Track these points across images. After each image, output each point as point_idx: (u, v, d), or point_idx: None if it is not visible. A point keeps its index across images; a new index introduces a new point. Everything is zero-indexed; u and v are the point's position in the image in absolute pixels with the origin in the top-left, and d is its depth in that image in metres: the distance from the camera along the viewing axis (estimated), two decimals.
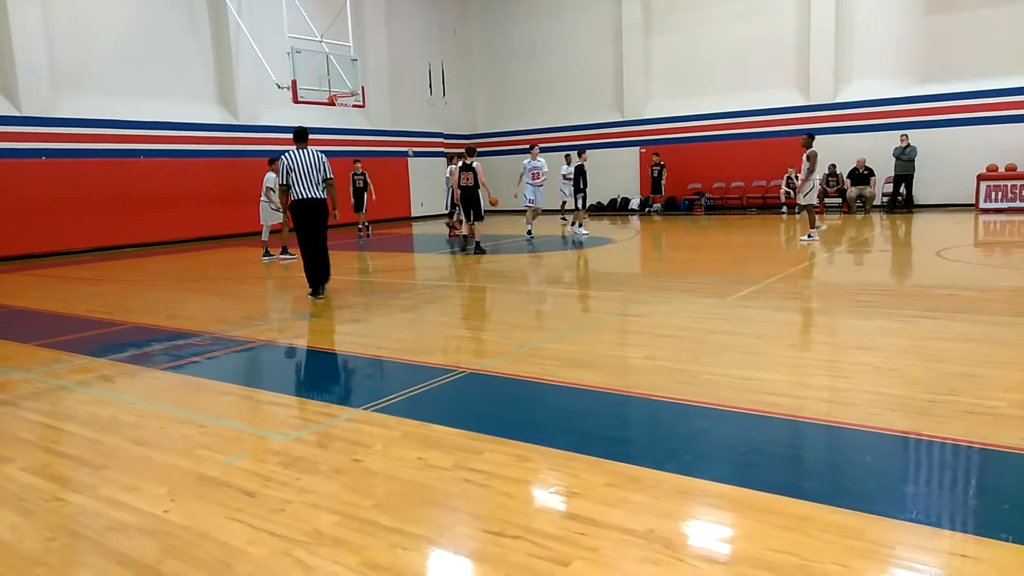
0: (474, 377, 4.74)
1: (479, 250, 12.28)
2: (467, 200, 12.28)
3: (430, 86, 23.73)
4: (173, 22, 16.96)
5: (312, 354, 5.81)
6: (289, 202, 8.12)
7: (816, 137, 12.54)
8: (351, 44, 16.92)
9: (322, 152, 8.22)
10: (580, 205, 14.78)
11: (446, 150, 24.47)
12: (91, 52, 15.48)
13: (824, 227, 12.62)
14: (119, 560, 2.54)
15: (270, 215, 12.34)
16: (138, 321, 7.39)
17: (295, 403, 4.39)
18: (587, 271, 10.38)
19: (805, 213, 12.69)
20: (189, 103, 17.34)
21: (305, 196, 7.98)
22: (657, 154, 20.31)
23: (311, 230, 8.10)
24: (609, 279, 9.43)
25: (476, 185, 12.18)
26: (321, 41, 16.28)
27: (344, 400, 4.47)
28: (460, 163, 12.28)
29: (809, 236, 12.00)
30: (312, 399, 4.54)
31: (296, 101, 15.30)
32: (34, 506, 3.04)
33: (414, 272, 11.04)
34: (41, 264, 13.63)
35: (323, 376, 5.26)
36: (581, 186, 14.50)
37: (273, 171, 11.84)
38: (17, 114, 14.27)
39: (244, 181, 17.24)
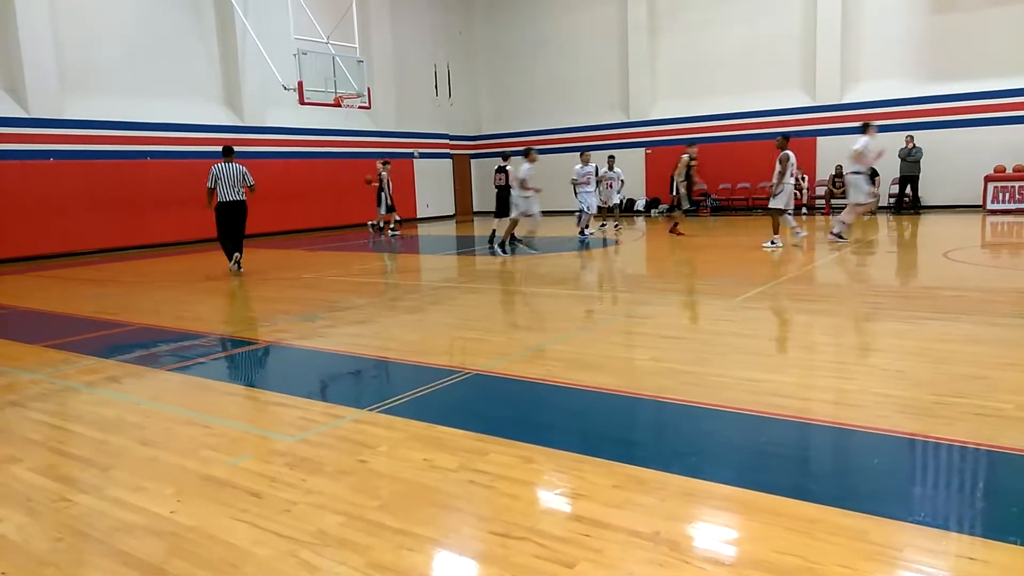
0: (479, 378, 4.75)
1: (501, 246, 12.51)
2: (499, 200, 13.47)
3: (436, 87, 23.75)
4: (180, 24, 17.03)
5: (318, 355, 5.82)
6: (215, 202, 10.66)
7: (790, 139, 11.86)
8: (357, 45, 16.95)
9: (243, 165, 10.91)
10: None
11: (452, 151, 24.53)
12: (98, 54, 15.55)
13: (802, 234, 11.85)
14: (125, 561, 2.54)
15: (523, 204, 12.09)
16: (145, 322, 7.41)
17: (301, 404, 4.39)
18: (593, 272, 10.37)
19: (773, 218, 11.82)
20: (196, 104, 17.41)
21: (228, 198, 10.67)
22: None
23: (232, 222, 10.81)
24: (614, 280, 9.42)
25: (507, 186, 13.21)
26: (327, 43, 16.32)
27: (350, 401, 4.47)
28: (496, 165, 13.86)
29: (772, 243, 11.44)
30: (318, 400, 4.54)
31: (302, 102, 15.33)
32: (41, 506, 3.05)
33: (419, 273, 11.05)
34: (49, 265, 13.69)
35: (329, 377, 5.27)
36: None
37: (529, 161, 12.12)
38: (25, 116, 14.35)
39: None
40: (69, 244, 14.98)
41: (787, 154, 11.44)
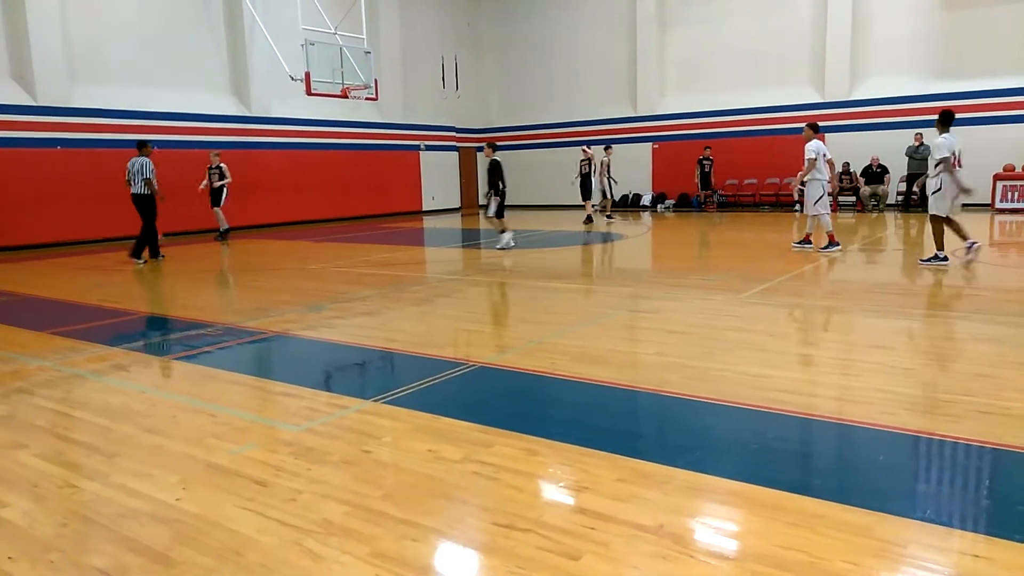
0: (484, 371, 4.75)
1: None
2: (583, 187, 15.87)
3: (443, 79, 23.68)
4: (188, 13, 17.01)
5: (323, 345, 5.83)
6: (130, 194, 11.40)
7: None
8: (365, 36, 16.90)
9: (148, 160, 11.32)
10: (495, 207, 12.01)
11: (459, 144, 24.49)
12: (106, 43, 15.55)
13: None
14: (131, 547, 2.56)
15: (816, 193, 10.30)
16: (151, 311, 7.44)
17: (306, 394, 4.40)
18: (598, 267, 10.36)
19: None
20: (203, 94, 17.39)
21: (133, 192, 11.30)
22: (708, 147, 19.58)
23: (140, 213, 11.33)
24: (620, 275, 9.41)
25: (590, 173, 15.87)
26: (335, 33, 16.28)
27: (355, 392, 4.48)
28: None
29: None
30: (323, 390, 4.55)
31: (309, 93, 15.30)
32: (47, 492, 3.06)
33: (425, 266, 11.05)
34: (56, 253, 13.73)
35: (334, 367, 5.28)
36: (500, 186, 11.84)
37: (814, 138, 10.29)
38: (33, 103, 14.37)
39: (255, 173, 17.31)
40: (75, 232, 14.99)
41: None
